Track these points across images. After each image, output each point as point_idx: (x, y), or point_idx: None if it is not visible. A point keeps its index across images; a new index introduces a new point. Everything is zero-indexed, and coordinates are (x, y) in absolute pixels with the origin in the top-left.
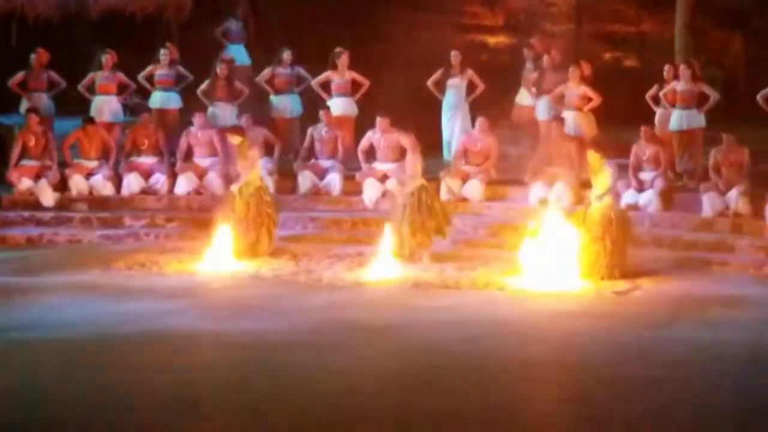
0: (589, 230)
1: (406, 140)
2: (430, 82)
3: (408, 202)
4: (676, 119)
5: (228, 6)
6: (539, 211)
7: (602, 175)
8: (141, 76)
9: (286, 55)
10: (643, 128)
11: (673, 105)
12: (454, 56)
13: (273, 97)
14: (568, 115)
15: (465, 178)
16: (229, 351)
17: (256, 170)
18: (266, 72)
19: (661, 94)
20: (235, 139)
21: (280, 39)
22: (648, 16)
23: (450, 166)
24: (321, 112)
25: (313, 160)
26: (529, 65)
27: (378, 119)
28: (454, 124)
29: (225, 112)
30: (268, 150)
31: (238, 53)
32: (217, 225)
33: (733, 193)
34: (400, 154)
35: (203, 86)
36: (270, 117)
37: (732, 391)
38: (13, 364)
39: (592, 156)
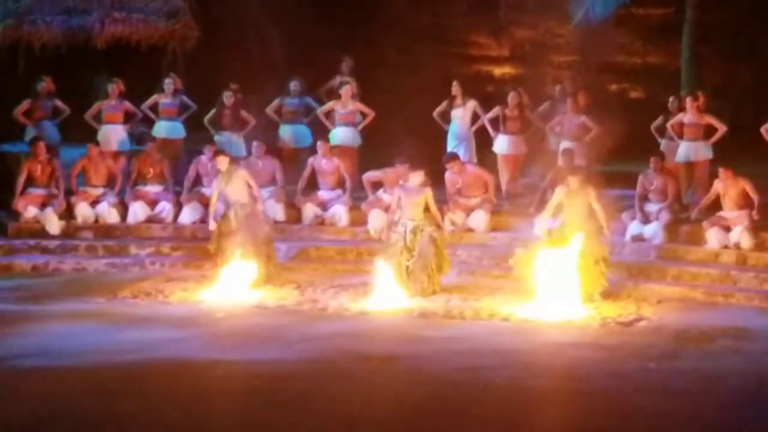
0: (584, 255)
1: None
2: (435, 113)
3: (436, 240)
4: (683, 151)
5: (235, 36)
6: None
7: (582, 197)
8: (145, 106)
9: (294, 85)
10: (652, 159)
11: (680, 137)
12: (455, 87)
13: (281, 127)
14: (567, 146)
15: (468, 210)
16: (233, 380)
17: (246, 194)
18: (275, 103)
19: (668, 125)
20: (222, 163)
21: (285, 70)
22: (654, 48)
23: (449, 200)
24: (318, 143)
25: (316, 192)
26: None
27: (397, 165)
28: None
29: (231, 141)
30: (274, 180)
31: None
32: (219, 253)
33: (737, 230)
34: None
35: (209, 115)
36: (277, 146)
37: (737, 423)
38: (18, 392)
39: (574, 182)
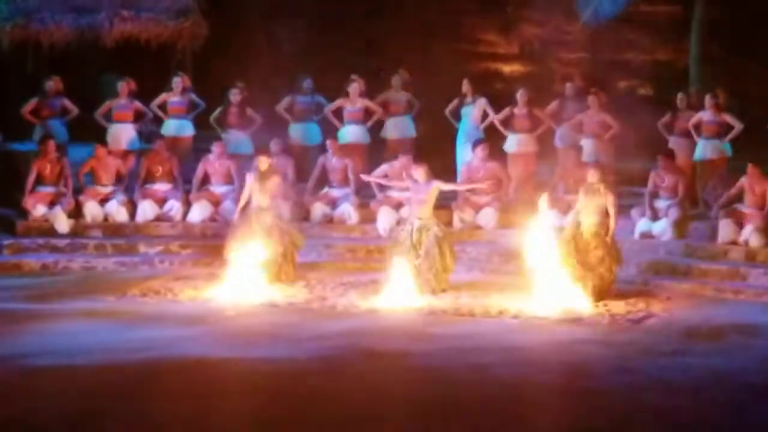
0: (594, 250)
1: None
2: (448, 111)
3: (441, 240)
4: (701, 149)
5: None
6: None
7: (600, 197)
8: (154, 104)
9: (307, 83)
10: (661, 159)
11: (698, 135)
12: (465, 84)
13: (292, 125)
14: (587, 143)
15: (477, 208)
16: (243, 378)
17: (271, 196)
18: (286, 100)
19: (690, 124)
20: (263, 163)
21: (295, 69)
22: (662, 45)
23: (459, 197)
24: (328, 142)
25: (325, 190)
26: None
27: (401, 156)
28: (467, 152)
29: (237, 139)
30: (285, 178)
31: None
32: (234, 250)
33: (748, 228)
34: None
35: (216, 113)
36: (288, 144)
37: (747, 419)
38: (28, 390)
39: (593, 175)
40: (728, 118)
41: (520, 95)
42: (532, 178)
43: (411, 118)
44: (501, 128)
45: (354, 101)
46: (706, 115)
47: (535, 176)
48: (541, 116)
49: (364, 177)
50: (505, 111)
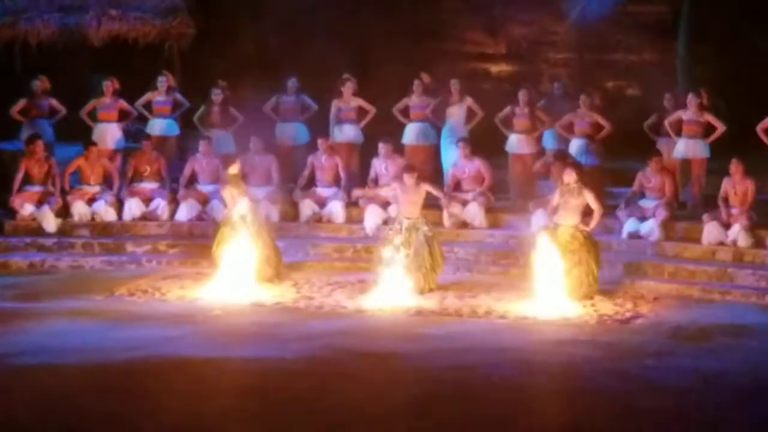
0: (571, 253)
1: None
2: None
3: (430, 240)
4: (682, 148)
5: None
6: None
7: (578, 197)
8: (138, 104)
9: (292, 83)
10: (654, 159)
11: (677, 134)
12: (454, 85)
13: (278, 125)
14: (577, 143)
15: (464, 203)
16: (230, 378)
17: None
18: (272, 100)
19: (666, 121)
20: (233, 169)
21: (283, 69)
22: (650, 45)
23: (446, 195)
24: (319, 141)
25: (313, 188)
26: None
27: (380, 144)
28: (453, 152)
29: (220, 138)
30: (270, 179)
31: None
32: (223, 251)
33: (735, 228)
34: None
35: (199, 113)
36: (275, 144)
37: (735, 420)
38: (15, 389)
39: (569, 175)
40: (711, 118)
41: (521, 95)
42: (531, 179)
43: (431, 125)
44: (501, 128)
45: (348, 100)
46: (686, 114)
47: (534, 177)
48: (542, 117)
49: (357, 192)
50: (506, 110)
